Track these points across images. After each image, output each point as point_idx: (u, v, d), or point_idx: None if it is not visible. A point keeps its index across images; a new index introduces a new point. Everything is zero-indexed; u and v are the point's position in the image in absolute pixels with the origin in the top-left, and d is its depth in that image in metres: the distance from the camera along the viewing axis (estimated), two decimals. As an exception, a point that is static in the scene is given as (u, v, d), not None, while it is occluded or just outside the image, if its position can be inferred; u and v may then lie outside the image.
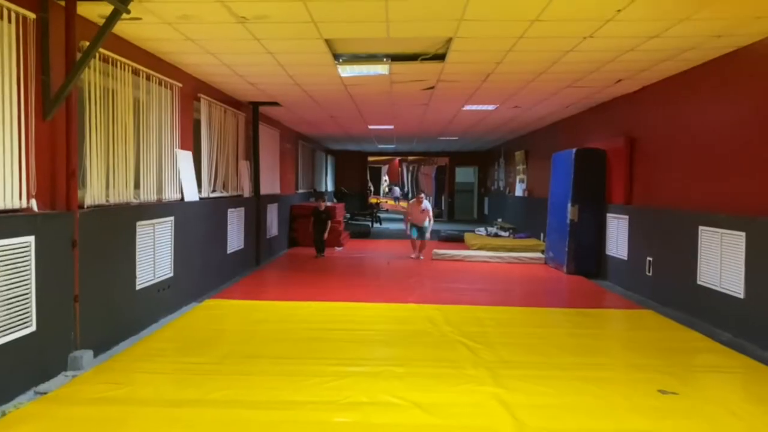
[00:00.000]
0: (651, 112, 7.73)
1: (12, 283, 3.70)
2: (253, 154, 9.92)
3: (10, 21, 3.81)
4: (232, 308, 6.59)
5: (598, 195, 9.23)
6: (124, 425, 3.43)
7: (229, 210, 8.51)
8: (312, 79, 7.62)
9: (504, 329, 5.78)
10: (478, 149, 21.41)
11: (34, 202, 3.99)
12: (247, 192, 9.56)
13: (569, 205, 9.39)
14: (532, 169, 14.33)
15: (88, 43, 4.39)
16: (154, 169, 6.01)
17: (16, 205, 3.85)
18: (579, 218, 9.34)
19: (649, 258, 7.55)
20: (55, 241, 4.14)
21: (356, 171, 23.62)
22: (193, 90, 7.22)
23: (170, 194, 6.36)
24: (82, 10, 4.41)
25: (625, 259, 8.31)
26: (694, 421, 3.61)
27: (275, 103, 9.78)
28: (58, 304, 4.18)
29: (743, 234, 5.54)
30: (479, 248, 11.90)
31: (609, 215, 9.00)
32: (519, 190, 15.51)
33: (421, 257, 11.13)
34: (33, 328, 3.90)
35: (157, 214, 5.91)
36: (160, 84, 6.13)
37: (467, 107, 10.18)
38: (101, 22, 4.63)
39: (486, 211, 21.25)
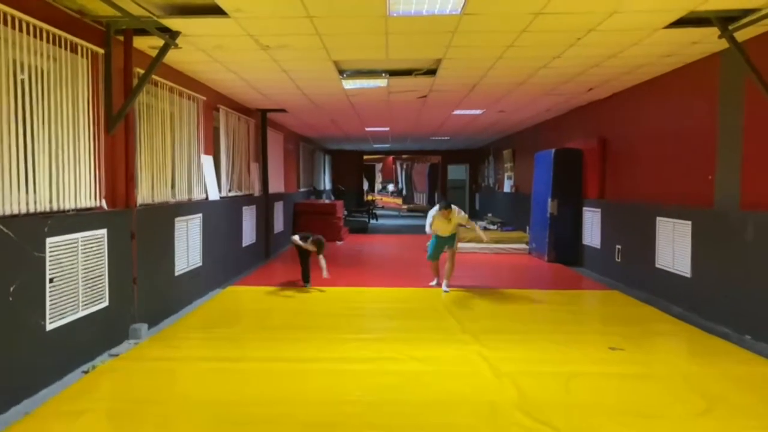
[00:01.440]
0: (619, 116, 8.73)
1: (92, 267, 4.64)
2: (261, 157, 10.86)
3: (83, 56, 4.75)
4: (252, 293, 7.54)
5: (575, 191, 10.22)
6: (183, 375, 4.40)
7: (244, 208, 9.46)
8: (318, 90, 8.57)
9: (489, 306, 6.77)
10: (469, 147, 22.38)
11: (104, 202, 4.94)
12: (257, 191, 10.51)
13: (549, 200, 10.39)
14: (518, 166, 15.32)
15: (140, 70, 5.33)
16: (185, 172, 6.95)
17: (93, 205, 4.79)
18: (558, 212, 10.34)
19: (618, 246, 8.56)
20: (119, 233, 5.08)
21: (352, 169, 24.57)
22: (213, 101, 8.16)
23: (198, 194, 7.31)
24: (137, 43, 5.35)
25: (599, 247, 9.32)
26: (635, 367, 4.60)
27: (282, 110, 10.72)
28: (122, 285, 5.12)
29: (689, 223, 6.55)
30: (469, 241, 12.88)
31: (585, 209, 10.00)
32: (507, 187, 16.50)
33: (446, 290, 7.64)
34: (106, 303, 4.85)
35: (189, 212, 6.86)
36: (188, 98, 7.07)
37: (457, 112, 11.15)
38: (151, 51, 5.56)
39: (477, 207, 22.26)
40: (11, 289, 3.67)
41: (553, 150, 10.45)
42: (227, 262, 8.42)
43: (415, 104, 10.12)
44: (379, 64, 6.95)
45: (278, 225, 12.33)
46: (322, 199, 18.56)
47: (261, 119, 10.84)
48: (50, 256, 4.07)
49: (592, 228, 9.65)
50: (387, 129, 14.74)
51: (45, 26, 4.15)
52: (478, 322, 6.01)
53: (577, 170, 10.17)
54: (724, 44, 5.44)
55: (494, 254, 11.73)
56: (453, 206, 7.74)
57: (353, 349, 5.03)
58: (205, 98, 7.58)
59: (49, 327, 4.06)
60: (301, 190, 15.96)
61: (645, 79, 7.64)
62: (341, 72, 7.36)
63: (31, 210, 3.99)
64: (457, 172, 25.12)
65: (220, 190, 8.31)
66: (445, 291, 7.60)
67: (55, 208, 4.28)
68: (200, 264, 7.15)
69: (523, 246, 11.96)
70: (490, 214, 17.76)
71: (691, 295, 6.50)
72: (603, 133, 9.39)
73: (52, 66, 4.39)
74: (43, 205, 4.14)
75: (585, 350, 5.03)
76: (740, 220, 5.64)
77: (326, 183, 22.42)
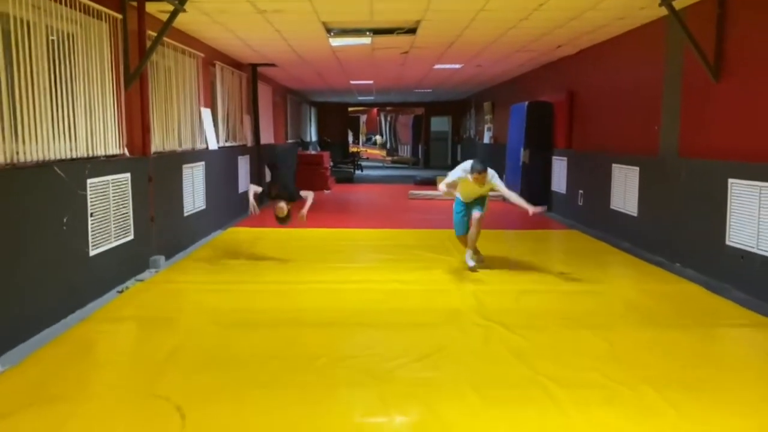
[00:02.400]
0: (585, 72, 9.51)
1: (120, 205, 5.44)
2: (253, 109, 11.52)
3: (105, 21, 5.41)
4: (250, 233, 8.38)
5: (546, 141, 11.06)
6: (199, 294, 5.27)
7: (239, 157, 10.20)
8: (306, 47, 9.21)
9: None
10: (451, 100, 23.02)
11: (126, 150, 5.69)
12: (249, 142, 11.21)
13: (522, 149, 11.23)
14: (497, 118, 16.09)
15: (152, 33, 6.00)
16: (189, 124, 7.66)
17: (118, 152, 5.55)
18: (530, 161, 11.20)
19: (580, 191, 9.48)
20: (139, 177, 5.85)
21: (338, 121, 25.15)
22: (210, 58, 8.79)
23: (200, 144, 8.04)
24: (149, 8, 5.99)
25: (564, 193, 10.24)
26: (578, 286, 5.55)
27: (272, 64, 11.32)
28: (143, 222, 5.93)
29: (637, 168, 7.45)
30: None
31: (554, 158, 10.87)
32: (486, 138, 17.30)
33: (471, 263, 6.15)
34: (132, 236, 5.67)
35: (194, 159, 7.61)
36: (189, 56, 7.71)
37: (437, 66, 11.84)
38: (161, 15, 6.20)
39: (459, 158, 23.07)
40: (64, 220, 4.47)
41: (526, 103, 11.23)
42: (227, 207, 9.22)
43: (397, 59, 10.79)
44: (363, 24, 7.62)
45: (269, 174, 13.06)
46: (308, 150, 19.24)
47: (252, 73, 11.44)
48: (90, 195, 4.85)
49: (559, 175, 10.55)
50: (371, 82, 15.37)
51: (76, -4, 4.82)
52: (452, 255, 6.92)
53: (548, 122, 10.99)
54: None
55: (471, 201, 12.61)
56: (489, 169, 6.16)
57: (343, 274, 5.93)
58: (203, 55, 8.22)
59: (91, 253, 4.88)
60: (289, 141, 16.63)
61: (606, 38, 8.40)
62: (329, 31, 8.02)
63: (74, 156, 4.75)
64: (440, 124, 25.79)
65: (217, 141, 9.03)
66: (471, 266, 6.10)
67: (90, 154, 5.03)
68: (204, 207, 7.96)
69: (497, 193, 12.82)
70: (470, 165, 18.58)
71: (637, 232, 7.46)
72: (571, 87, 10.18)
73: (79, 30, 5.06)
74: (82, 152, 4.89)
75: (542, 276, 5.96)
76: (677, 166, 6.54)
77: (312, 135, 23.04)
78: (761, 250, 5.08)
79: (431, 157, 25.63)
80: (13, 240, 3.89)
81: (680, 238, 6.42)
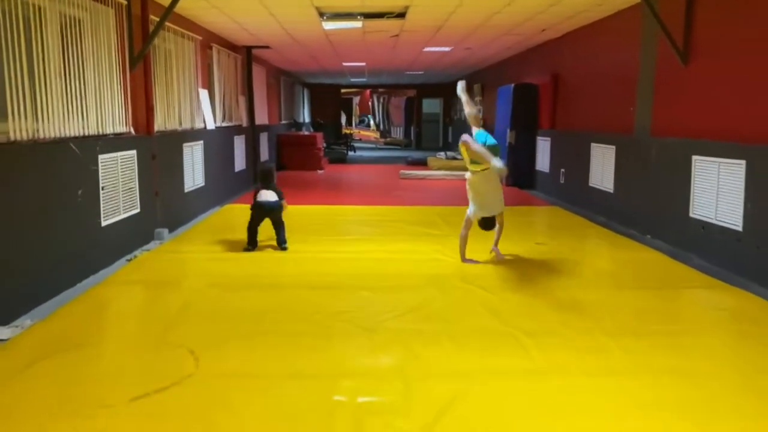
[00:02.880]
0: (569, 55, 9.89)
1: (127, 179, 5.82)
2: (247, 90, 11.85)
3: (111, 6, 5.75)
4: (246, 210, 8.74)
5: (531, 122, 11.46)
6: (202, 262, 5.68)
7: (235, 137, 10.56)
8: (300, 29, 9.54)
9: (450, 219, 8.10)
10: (442, 82, 23.32)
11: (132, 129, 6.06)
12: (244, 122, 11.56)
13: (508, 130, 11.64)
14: (486, 100, 16.46)
15: (155, 18, 6.34)
16: (188, 104, 8.02)
17: (124, 130, 5.92)
18: (516, 142, 11.62)
19: (562, 170, 9.92)
20: (144, 154, 6.23)
21: (331, 103, 25.40)
22: (207, 40, 9.11)
23: (198, 124, 8.40)
24: (151, -6, 6.34)
25: (548, 172, 10.68)
26: (552, 255, 6.00)
27: (266, 47, 11.62)
28: (148, 196, 6.31)
29: (614, 147, 7.88)
30: (438, 169, 14.19)
31: (539, 138, 11.29)
32: (476, 119, 17.65)
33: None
34: (138, 209, 6.06)
35: (193, 138, 7.98)
36: (188, 39, 8.04)
37: (427, 49, 12.17)
38: (163, 1, 6.53)
39: (450, 139, 23.45)
40: (79, 192, 4.86)
41: (513, 85, 11.61)
42: (224, 185, 9.60)
43: (388, 42, 11.12)
44: (354, 9, 7.97)
45: (264, 154, 13.44)
46: (302, 131, 19.56)
47: (246, 55, 11.75)
48: (102, 169, 5.24)
49: (543, 155, 10.98)
50: (363, 64, 15.67)
51: (85, -16, 5.15)
52: (440, 229, 7.35)
53: (533, 103, 11.38)
54: (640, -3, 6.61)
55: (461, 180, 13.02)
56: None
57: (336, 245, 6.37)
58: (201, 38, 8.54)
59: (103, 224, 5.28)
60: (283, 122, 16.94)
61: (587, 23, 8.78)
62: (321, 14, 8.35)
63: (86, 133, 5.12)
64: (431, 106, 26.13)
65: (215, 121, 9.38)
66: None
67: (101, 132, 5.41)
68: (203, 184, 8.34)
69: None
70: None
71: (612, 207, 7.91)
72: (555, 69, 10.56)
73: (88, 16, 5.40)
74: (93, 130, 5.26)
75: (520, 246, 6.40)
76: (649, 145, 6.98)
77: (305, 116, 23.31)
78: (719, 220, 5.54)
79: (423, 139, 25.98)
80: (35, 208, 4.28)
81: (650, 211, 6.87)
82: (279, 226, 6.21)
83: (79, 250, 4.88)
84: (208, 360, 3.34)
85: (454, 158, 16.05)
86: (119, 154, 5.63)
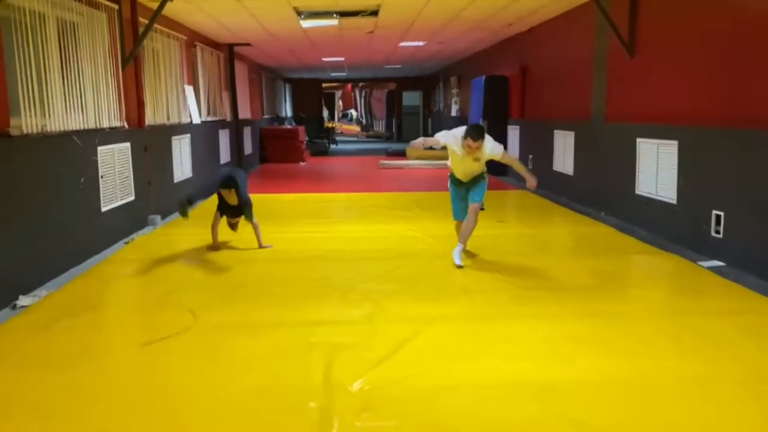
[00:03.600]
0: (534, 47, 10.52)
1: (123, 170, 6.35)
2: (230, 86, 12.35)
3: (103, 11, 6.25)
4: (234, 199, 9.31)
5: (502, 111, 12.09)
6: (195, 243, 6.22)
7: (219, 131, 11.07)
8: (279, 27, 10.06)
9: (423, 203, 8.71)
10: (421, 75, 23.91)
11: (125, 123, 6.58)
12: (228, 117, 12.07)
13: (481, 120, 12.25)
14: (463, 91, 17.08)
15: (144, 20, 6.85)
16: (174, 100, 8.53)
17: (119, 125, 6.44)
18: (487, 130, 12.21)
19: (530, 155, 10.56)
20: (137, 146, 6.75)
21: (312, 97, 25.90)
22: (191, 39, 9.61)
23: (185, 118, 8.92)
24: (140, -2, 6.85)
25: (518, 159, 11.31)
26: (511, 230, 6.63)
27: (247, 44, 12.13)
28: (141, 185, 6.84)
29: (573, 133, 8.53)
30: (416, 158, 14.80)
31: (509, 127, 11.93)
32: (454, 111, 18.29)
33: (458, 261, 5.13)
34: (133, 197, 6.59)
35: (181, 132, 8.50)
36: (174, 39, 8.54)
37: (402, 44, 12.75)
38: (150, 4, 7.04)
39: (429, 130, 24.07)
40: (81, 180, 5.39)
41: (484, 77, 12.23)
42: (210, 176, 10.09)
43: (365, 37, 11.68)
44: (330, 8, 8.52)
45: (247, 148, 13.95)
46: (284, 125, 20.06)
47: (228, 52, 12.25)
48: (101, 160, 5.76)
49: (513, 143, 11.61)
50: (342, 59, 16.21)
51: (81, -9, 5.66)
52: (413, 212, 7.96)
53: (504, 94, 12.01)
54: (590, -5, 7.23)
55: (436, 168, 13.67)
56: (488, 138, 5.14)
57: (317, 227, 6.95)
58: (185, 37, 9.04)
59: (103, 209, 5.81)
60: (265, 116, 17.44)
61: (549, 17, 9.41)
62: (299, 13, 8.89)
63: (86, 127, 5.64)
64: (411, 99, 26.70)
65: (200, 115, 9.89)
66: (458, 264, 5.08)
67: (98, 126, 5.93)
68: (191, 175, 8.87)
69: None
70: (438, 136, 19.62)
71: (572, 189, 8.57)
72: (524, 62, 11.19)
73: (83, 20, 5.90)
74: (91, 124, 5.78)
75: (484, 223, 7.01)
76: (603, 130, 7.63)
77: (287, 110, 23.80)
78: (659, 196, 6.20)
79: (404, 131, 26.58)
80: (44, 194, 4.81)
81: (604, 190, 7.53)
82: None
83: (83, 232, 5.41)
84: (205, 316, 3.91)
85: (431, 148, 16.65)
86: (115, 146, 6.16)
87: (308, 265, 5.22)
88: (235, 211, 5.86)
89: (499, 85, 12.03)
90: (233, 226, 6.10)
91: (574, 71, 8.66)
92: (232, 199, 5.72)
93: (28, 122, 4.67)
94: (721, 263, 5.08)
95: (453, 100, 18.45)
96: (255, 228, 5.86)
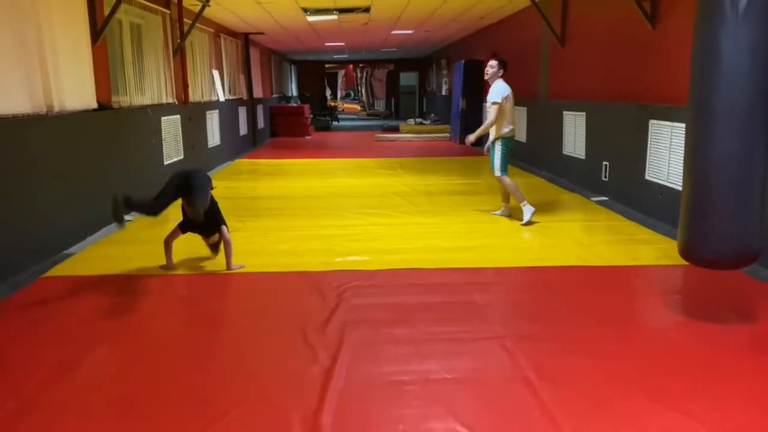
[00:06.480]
0: (502, 37, 12.55)
1: (174, 136, 8.47)
2: (246, 69, 14.41)
3: (158, 15, 8.31)
4: (251, 164, 11.45)
5: (478, 92, 14.13)
6: (234, 190, 8.36)
7: (239, 108, 13.18)
8: (288, 20, 12.11)
9: (412, 165, 10.82)
10: (418, 56, 25.83)
11: (175, 100, 8.70)
12: (245, 96, 14.15)
13: (461, 98, 14.31)
14: (450, 73, 19.06)
15: (188, 21, 8.93)
16: (207, 81, 10.62)
17: (171, 101, 8.55)
18: (467, 107, 14.30)
19: (499, 128, 12.63)
20: (184, 118, 8.87)
21: (316, 78, 27.88)
22: (217, 32, 11.66)
23: (214, 97, 11.02)
24: (185, 3, 8.91)
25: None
26: (467, 181, 8.76)
27: (260, 33, 14.17)
28: (187, 148, 8.97)
29: (525, 109, 10.61)
30: (408, 132, 16.89)
31: (485, 104, 13.97)
32: (443, 91, 20.30)
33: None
34: (182, 156, 8.73)
35: (212, 108, 10.61)
36: (205, 32, 10.60)
37: (394, 32, 14.77)
38: (192, 8, 9.11)
39: (424, 109, 26.08)
40: (153, 141, 7.52)
41: (463, 61, 14.25)
42: (232, 145, 12.25)
43: (361, 28, 13.70)
44: (330, 6, 10.56)
45: (260, 123, 16.05)
46: (290, 103, 22.08)
47: (245, 40, 14.29)
48: (163, 127, 7.89)
49: (487, 118, 13.65)
50: (343, 44, 18.21)
51: (142, 1, 7.74)
52: (396, 170, 10.08)
53: (480, 76, 14.01)
54: (533, -1, 9.25)
55: (425, 141, 15.78)
56: (498, 81, 6.20)
57: (317, 182, 9.08)
58: (212, 30, 11.11)
59: (165, 163, 7.95)
60: (274, 96, 19.49)
61: (511, 13, 11.43)
62: (305, 11, 10.93)
63: (151, 102, 7.75)
64: (409, 79, 28.61)
65: (224, 94, 11.98)
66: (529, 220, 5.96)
67: (159, 102, 8.04)
68: (220, 143, 11.00)
69: (446, 135, 16.00)
70: (432, 114, 21.67)
71: (526, 154, 10.68)
72: (494, 48, 13.19)
73: (145, 23, 7.97)
74: (155, 100, 7.90)
75: (445, 180, 9.14)
76: (545, 106, 9.70)
77: (293, 90, 25.80)
78: (577, 154, 8.31)
79: (401, 109, 28.56)
80: (134, 151, 6.94)
81: (543, 153, 9.64)
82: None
83: (153, 179, 7.55)
84: (249, 223, 6.08)
85: (422, 123, 18.76)
86: (170, 117, 8.28)
87: (315, 201, 7.39)
88: (206, 228, 4.56)
89: (476, 69, 14.04)
90: (213, 248, 4.83)
91: (528, 58, 10.70)
92: (194, 213, 4.37)
93: (121, 99, 6.80)
94: (605, 197, 7.22)
95: (443, 81, 20.44)
96: (226, 245, 4.57)
